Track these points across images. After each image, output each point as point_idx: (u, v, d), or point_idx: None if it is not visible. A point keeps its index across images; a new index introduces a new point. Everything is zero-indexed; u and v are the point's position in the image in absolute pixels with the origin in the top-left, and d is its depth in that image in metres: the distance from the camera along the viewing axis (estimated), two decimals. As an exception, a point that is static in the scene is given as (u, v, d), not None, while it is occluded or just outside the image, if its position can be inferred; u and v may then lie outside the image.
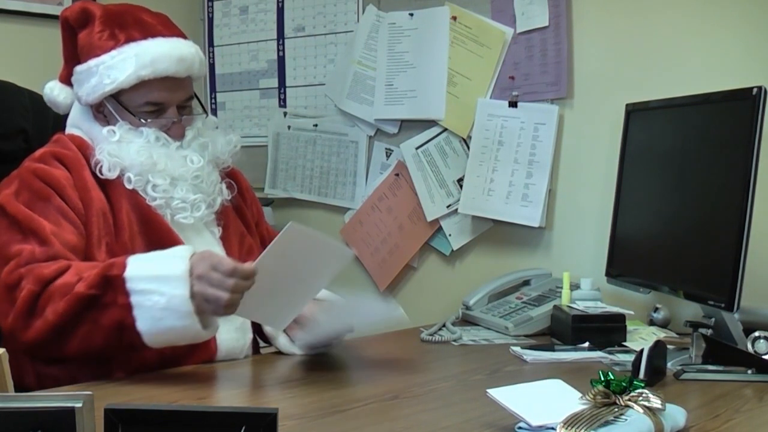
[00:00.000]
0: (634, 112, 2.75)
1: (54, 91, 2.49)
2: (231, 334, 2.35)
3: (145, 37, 2.37)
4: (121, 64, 2.34)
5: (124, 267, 2.11)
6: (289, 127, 3.68)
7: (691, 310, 2.53)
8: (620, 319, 2.50)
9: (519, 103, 3.10)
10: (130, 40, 2.37)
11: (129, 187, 2.33)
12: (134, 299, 2.09)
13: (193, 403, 1.95)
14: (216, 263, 2.07)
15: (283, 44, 3.70)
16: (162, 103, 2.39)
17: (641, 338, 2.49)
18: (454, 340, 2.64)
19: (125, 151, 2.34)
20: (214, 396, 2.10)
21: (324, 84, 3.61)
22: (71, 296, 2.10)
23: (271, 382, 2.15)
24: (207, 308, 2.08)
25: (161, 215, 2.35)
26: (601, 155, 2.96)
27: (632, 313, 2.60)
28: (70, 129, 2.47)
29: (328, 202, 3.60)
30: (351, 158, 3.52)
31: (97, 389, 1.67)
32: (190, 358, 2.27)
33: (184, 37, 2.47)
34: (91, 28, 2.39)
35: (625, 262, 2.73)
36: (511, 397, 1.69)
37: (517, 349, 2.46)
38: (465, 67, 3.20)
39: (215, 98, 3.87)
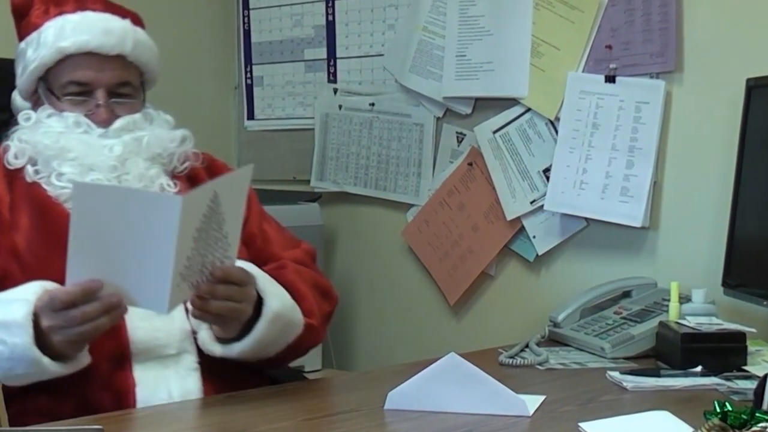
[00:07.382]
0: (756, 88, 2.74)
1: (17, 97, 2.58)
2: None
3: (75, 10, 2.48)
4: (44, 38, 2.45)
5: None
6: (340, 107, 3.72)
7: (827, 328, 2.52)
8: (740, 338, 2.51)
9: (617, 78, 3.09)
10: (61, 14, 2.48)
11: (29, 180, 2.40)
12: None
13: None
14: (51, 302, 2.13)
15: (333, 6, 3.74)
16: (87, 84, 2.46)
17: (765, 361, 2.48)
18: (540, 364, 2.65)
19: (38, 136, 2.42)
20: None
21: (382, 55, 3.64)
22: None
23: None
24: (69, 348, 2.16)
25: (64, 207, 2.36)
26: (717, 140, 2.94)
27: (754, 330, 2.58)
28: None
29: (388, 197, 3.63)
30: (415, 144, 3.53)
31: (107, 422, 1.68)
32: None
33: (135, 19, 2.54)
34: (32, 9, 2.52)
35: (745, 270, 2.73)
36: (607, 432, 1.66)
37: (616, 374, 2.45)
38: (552, 34, 3.19)
39: (251, 72, 3.95)
